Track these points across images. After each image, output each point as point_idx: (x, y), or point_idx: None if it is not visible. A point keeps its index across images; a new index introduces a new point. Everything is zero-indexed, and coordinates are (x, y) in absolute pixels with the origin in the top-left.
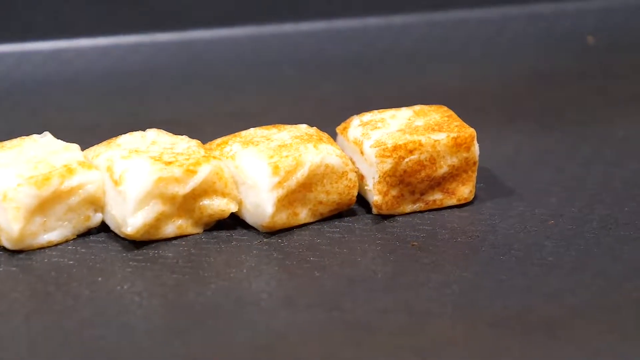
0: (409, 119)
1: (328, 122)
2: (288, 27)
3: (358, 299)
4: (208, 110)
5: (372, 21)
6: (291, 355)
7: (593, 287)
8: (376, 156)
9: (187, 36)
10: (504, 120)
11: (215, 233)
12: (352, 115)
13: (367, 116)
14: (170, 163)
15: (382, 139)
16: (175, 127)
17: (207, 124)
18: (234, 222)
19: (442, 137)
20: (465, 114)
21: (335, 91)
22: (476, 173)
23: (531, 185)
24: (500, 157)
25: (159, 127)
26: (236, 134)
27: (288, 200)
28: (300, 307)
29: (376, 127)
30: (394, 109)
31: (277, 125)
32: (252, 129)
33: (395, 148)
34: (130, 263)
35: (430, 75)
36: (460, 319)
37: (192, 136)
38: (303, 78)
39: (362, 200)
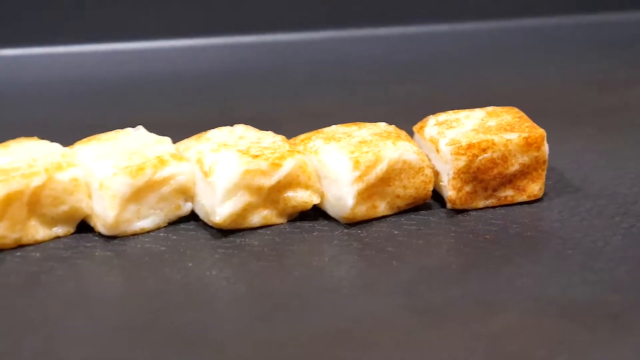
0: (482, 119)
1: (403, 121)
2: (366, 32)
3: (433, 288)
4: (291, 108)
5: (444, 27)
6: (369, 340)
7: None
8: (451, 154)
9: (270, 39)
10: (570, 122)
11: (298, 223)
12: (427, 115)
13: (442, 116)
14: (257, 156)
15: (457, 138)
16: (260, 124)
17: (289, 121)
18: (316, 213)
19: (514, 136)
20: (534, 116)
21: (410, 92)
22: (545, 171)
23: (597, 183)
24: (567, 157)
25: (245, 124)
26: (319, 130)
27: (367, 193)
28: (378, 294)
29: (451, 127)
30: (467, 109)
31: (357, 122)
32: (333, 126)
33: (469, 146)
34: (218, 250)
35: (499, 79)
36: (528, 309)
37: (275, 132)
38: (380, 80)
39: (437, 195)
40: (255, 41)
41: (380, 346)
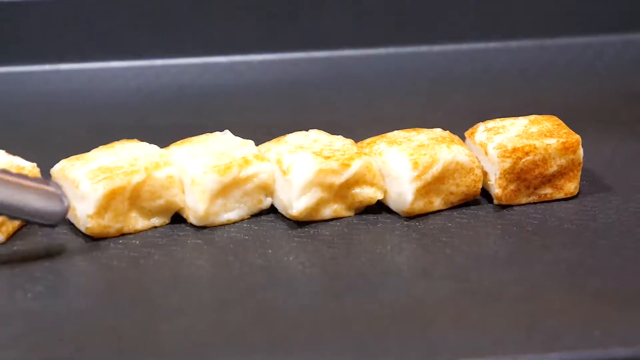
0: (526, 126)
1: (457, 127)
2: (424, 49)
3: (482, 272)
4: (357, 115)
5: (492, 45)
6: (426, 318)
7: None
8: (498, 156)
9: (338, 54)
10: (603, 129)
11: (364, 216)
12: (478, 122)
13: (490, 123)
14: (328, 157)
15: (503, 142)
16: (331, 129)
17: (357, 126)
18: (380, 207)
19: (553, 142)
20: (571, 123)
21: (462, 102)
22: (580, 172)
23: (626, 183)
24: (600, 160)
25: (318, 129)
26: (383, 135)
27: (425, 190)
28: (434, 278)
29: (498, 132)
30: (512, 117)
31: (416, 128)
32: (395, 132)
33: (514, 150)
34: (295, 239)
35: (541, 91)
36: (566, 291)
37: (345, 137)
38: (437, 90)
39: (485, 193)
40: (328, 56)
41: (436, 323)
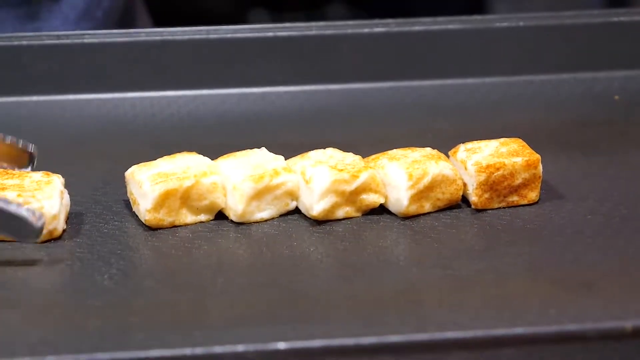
0: (497, 147)
1: (442, 147)
2: (418, 83)
3: (462, 262)
4: (365, 137)
5: (471, 81)
6: (418, 298)
7: (619, 258)
8: (475, 171)
9: (350, 87)
10: (559, 149)
11: (369, 217)
12: (459, 144)
13: (469, 145)
14: (342, 170)
15: (479, 160)
16: (344, 147)
17: (364, 145)
18: (382, 210)
19: (518, 160)
20: (533, 145)
21: (447, 127)
22: (540, 184)
23: (577, 193)
24: (557, 174)
25: (334, 147)
26: (385, 152)
27: (417, 197)
28: (425, 266)
29: (475, 152)
30: (486, 140)
31: (411, 147)
32: (395, 150)
33: (488, 166)
34: (314, 234)
35: (509, 119)
36: (528, 278)
37: (355, 153)
38: (427, 118)
39: (465, 199)
40: (342, 88)
41: (425, 303)
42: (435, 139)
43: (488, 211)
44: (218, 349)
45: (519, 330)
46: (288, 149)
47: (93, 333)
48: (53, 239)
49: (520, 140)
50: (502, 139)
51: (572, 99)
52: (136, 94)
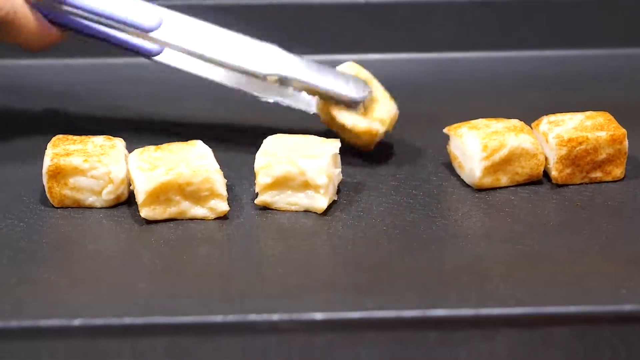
0: (581, 121)
1: (533, 120)
2: (512, 54)
3: (536, 238)
4: (455, 109)
5: (563, 53)
6: (482, 273)
7: None
8: (556, 145)
9: (439, 56)
10: None
11: (444, 188)
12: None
13: (553, 117)
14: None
15: (561, 133)
16: (431, 117)
17: (450, 117)
18: (459, 182)
19: (602, 134)
20: (621, 120)
21: (539, 100)
22: (626, 160)
23: None
24: None
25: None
26: (469, 121)
27: (493, 169)
28: (495, 241)
29: (558, 125)
30: (571, 113)
31: (498, 118)
32: (480, 119)
33: (570, 140)
34: (383, 204)
35: (602, 92)
36: (604, 256)
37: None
38: (520, 90)
39: (547, 174)
40: (432, 58)
41: (492, 278)
42: (526, 110)
43: (569, 187)
44: (260, 317)
45: (586, 309)
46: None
47: (140, 298)
48: (120, 204)
49: (608, 114)
50: (588, 112)
51: None
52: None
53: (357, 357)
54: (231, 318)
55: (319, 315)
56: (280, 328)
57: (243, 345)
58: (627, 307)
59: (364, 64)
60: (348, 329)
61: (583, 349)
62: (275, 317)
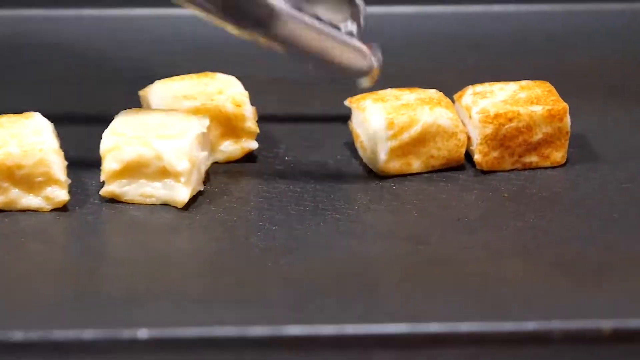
0: (514, 92)
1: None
2: (443, 9)
3: (443, 236)
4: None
5: (512, 8)
6: (373, 281)
7: None
8: (480, 121)
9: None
10: (599, 96)
11: (341, 173)
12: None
13: (479, 87)
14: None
15: (487, 107)
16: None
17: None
18: (364, 167)
19: (538, 109)
20: (564, 90)
21: (473, 64)
22: (568, 141)
23: (616, 153)
24: (594, 127)
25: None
26: (375, 92)
27: (401, 151)
28: (395, 240)
29: (485, 97)
30: (503, 82)
31: (411, 88)
32: (389, 89)
33: (497, 116)
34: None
35: (546, 58)
36: (526, 258)
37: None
38: (450, 52)
39: (471, 159)
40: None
41: (384, 284)
42: (457, 78)
43: (498, 174)
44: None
45: (495, 326)
46: None
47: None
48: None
49: (547, 83)
50: (523, 82)
51: (615, 35)
52: None
53: None
54: (33, 336)
55: (142, 333)
56: (90, 350)
57: None
58: (530, 326)
59: None
60: (180, 349)
61: None
62: (86, 334)
